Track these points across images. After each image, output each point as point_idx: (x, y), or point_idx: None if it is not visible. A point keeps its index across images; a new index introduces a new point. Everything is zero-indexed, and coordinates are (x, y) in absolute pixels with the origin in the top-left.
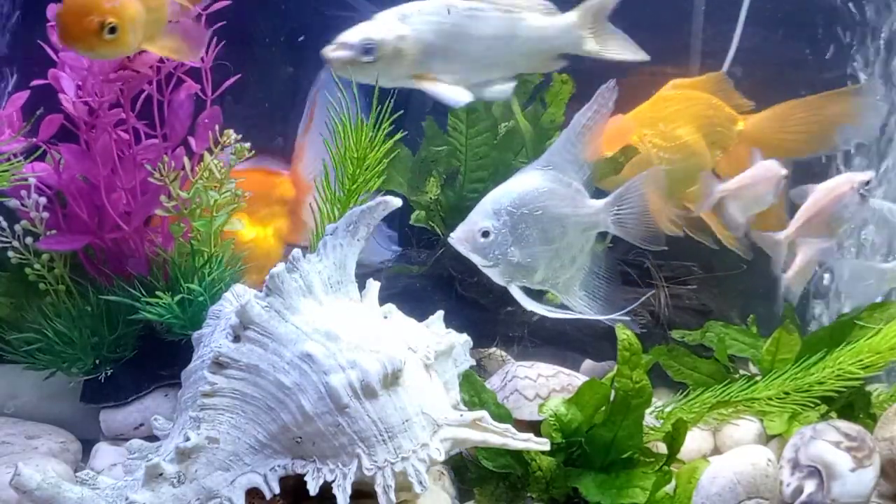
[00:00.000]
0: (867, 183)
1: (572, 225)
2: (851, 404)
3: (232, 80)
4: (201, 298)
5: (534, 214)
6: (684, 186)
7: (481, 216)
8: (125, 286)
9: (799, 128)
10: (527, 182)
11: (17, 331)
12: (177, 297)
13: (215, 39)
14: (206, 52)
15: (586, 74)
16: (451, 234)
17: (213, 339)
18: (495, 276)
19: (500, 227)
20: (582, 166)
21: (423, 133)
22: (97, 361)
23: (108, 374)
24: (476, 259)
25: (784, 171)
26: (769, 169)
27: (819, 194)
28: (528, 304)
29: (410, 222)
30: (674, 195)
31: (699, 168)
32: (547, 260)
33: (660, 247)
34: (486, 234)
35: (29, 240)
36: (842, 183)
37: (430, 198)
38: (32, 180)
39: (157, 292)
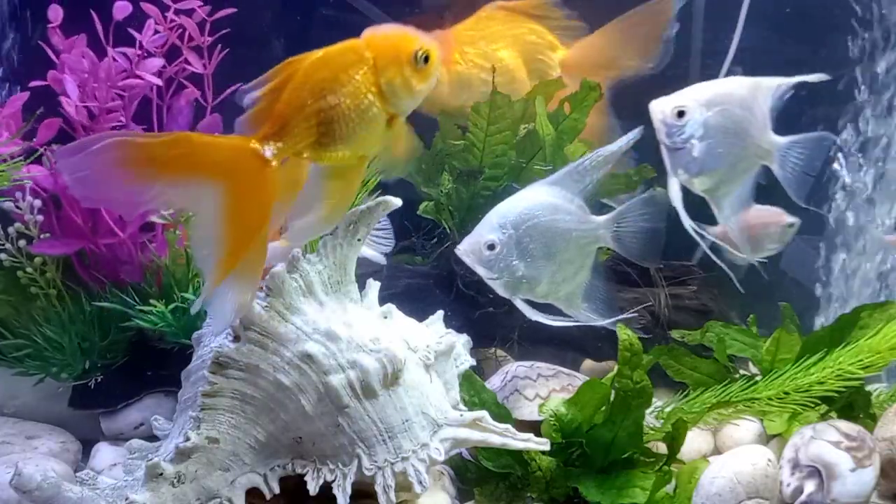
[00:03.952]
0: (791, 225)
1: (575, 240)
2: (851, 404)
3: (233, 87)
4: None
5: (538, 229)
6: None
7: (487, 229)
8: (118, 292)
9: (619, 49)
10: (532, 197)
11: (9, 334)
12: (171, 306)
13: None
14: (208, 58)
15: None
16: (458, 247)
17: (213, 338)
18: (500, 288)
19: (505, 241)
20: (586, 186)
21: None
22: (87, 367)
23: (99, 380)
24: (481, 271)
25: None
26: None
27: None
28: (533, 315)
29: (418, 212)
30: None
31: (518, 94)
32: (550, 273)
33: (656, 265)
34: (491, 246)
35: (22, 243)
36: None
37: (443, 191)
38: (28, 183)
39: (151, 300)
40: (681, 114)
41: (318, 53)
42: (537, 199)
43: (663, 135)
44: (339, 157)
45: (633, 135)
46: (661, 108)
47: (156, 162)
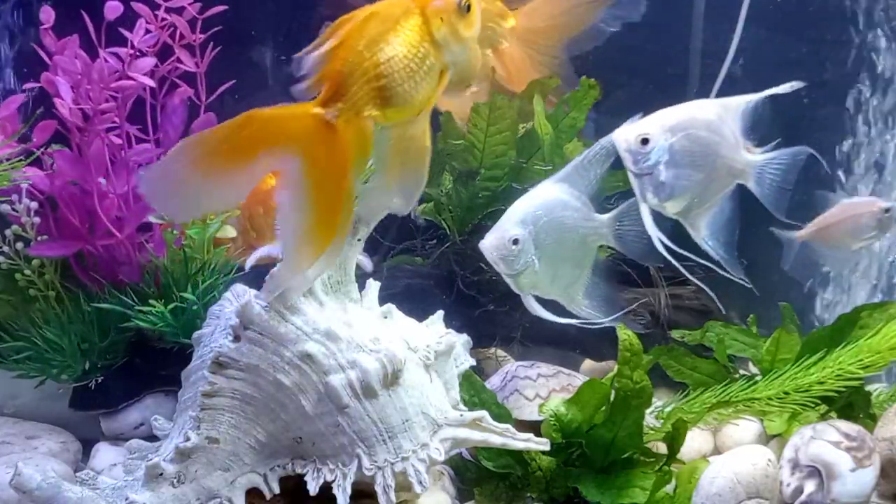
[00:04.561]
0: (887, 210)
1: (580, 237)
2: (851, 404)
3: (227, 84)
4: (195, 307)
5: (552, 225)
6: (456, 87)
7: (511, 224)
8: (117, 293)
9: (566, 10)
10: (548, 193)
11: (9, 337)
12: (170, 306)
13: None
14: (201, 57)
15: None
16: (482, 242)
17: (213, 338)
18: (515, 284)
19: (526, 236)
20: (591, 182)
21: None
22: (87, 368)
23: (99, 381)
24: (502, 267)
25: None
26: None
27: (841, 208)
28: (543, 313)
29: (417, 213)
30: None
31: (473, 68)
32: (559, 269)
33: (656, 263)
34: (515, 241)
35: (20, 245)
36: (865, 203)
37: (442, 191)
38: (24, 185)
39: (150, 301)
40: (645, 141)
41: (367, 10)
42: (550, 195)
43: (630, 162)
44: (400, 113)
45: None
46: (624, 136)
47: (226, 150)
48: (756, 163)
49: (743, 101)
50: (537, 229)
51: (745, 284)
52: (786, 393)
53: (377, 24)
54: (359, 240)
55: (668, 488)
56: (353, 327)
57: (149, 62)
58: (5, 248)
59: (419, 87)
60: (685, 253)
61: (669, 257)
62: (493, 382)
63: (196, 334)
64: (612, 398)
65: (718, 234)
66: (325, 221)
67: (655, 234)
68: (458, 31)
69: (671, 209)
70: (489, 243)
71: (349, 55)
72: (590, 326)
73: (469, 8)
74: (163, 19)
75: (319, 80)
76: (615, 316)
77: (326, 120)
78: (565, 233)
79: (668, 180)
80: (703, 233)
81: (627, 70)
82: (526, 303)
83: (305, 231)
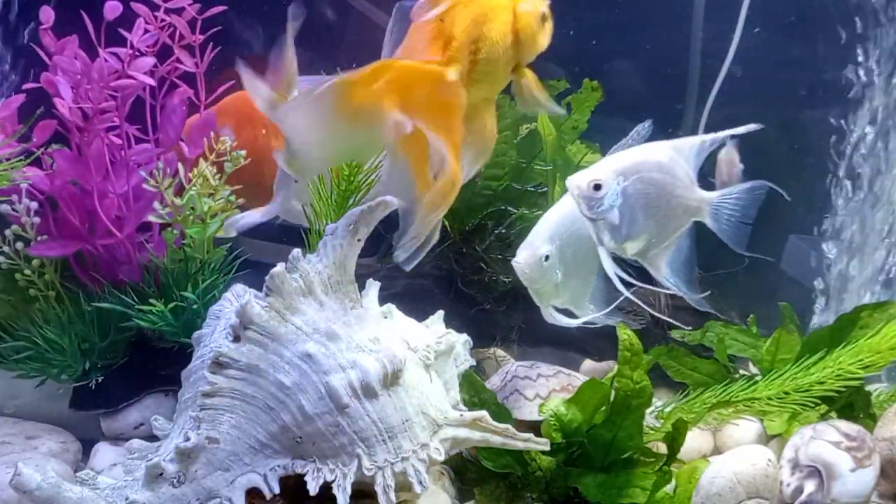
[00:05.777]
0: None
1: (594, 245)
2: (851, 404)
3: (226, 85)
4: (195, 307)
5: (574, 237)
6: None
7: (542, 241)
8: (117, 293)
9: None
10: (570, 205)
11: (9, 337)
12: (170, 305)
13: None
14: (200, 57)
15: None
16: (515, 260)
17: (213, 339)
18: (538, 296)
19: (554, 251)
20: None
21: None
22: (87, 368)
23: (99, 381)
24: (530, 283)
25: None
26: None
27: None
28: (563, 321)
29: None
30: None
31: None
32: (576, 278)
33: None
34: (546, 258)
35: (20, 245)
36: None
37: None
38: (24, 185)
39: (150, 300)
40: (597, 187)
41: None
42: (572, 207)
43: (584, 208)
44: (477, 92)
45: (645, 126)
46: (577, 182)
47: (362, 94)
48: (711, 200)
49: (696, 142)
50: (563, 243)
51: (730, 296)
52: (786, 393)
53: (479, 6)
54: (359, 240)
55: (668, 488)
56: (353, 327)
57: (148, 62)
58: (5, 248)
59: (499, 72)
60: (649, 286)
61: (627, 293)
62: (493, 382)
63: (196, 334)
64: (612, 398)
65: (679, 271)
66: (449, 182)
67: (612, 271)
68: (537, 36)
69: (630, 251)
70: (522, 260)
71: (459, 24)
72: (591, 326)
73: (545, 20)
74: (162, 20)
75: (436, 38)
76: (610, 308)
77: (450, 79)
78: (583, 243)
79: (624, 223)
80: (664, 271)
81: (627, 70)
82: (545, 314)
83: (437, 191)
